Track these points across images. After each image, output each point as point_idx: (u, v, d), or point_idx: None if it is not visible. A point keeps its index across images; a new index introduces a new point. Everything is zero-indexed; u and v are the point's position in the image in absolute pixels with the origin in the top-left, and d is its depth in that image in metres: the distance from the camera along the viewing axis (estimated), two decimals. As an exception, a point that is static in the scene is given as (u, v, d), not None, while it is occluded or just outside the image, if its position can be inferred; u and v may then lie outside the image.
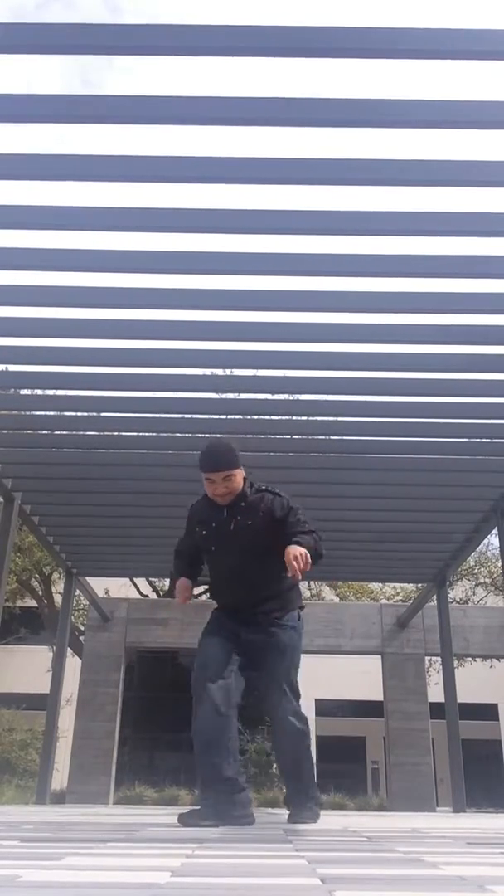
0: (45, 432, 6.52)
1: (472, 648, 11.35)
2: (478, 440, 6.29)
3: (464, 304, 4.57)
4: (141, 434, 6.31)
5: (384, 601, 15.73)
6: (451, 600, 13.94)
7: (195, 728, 3.16)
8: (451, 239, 4.09)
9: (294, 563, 2.95)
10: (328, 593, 17.07)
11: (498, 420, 5.85)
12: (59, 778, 13.04)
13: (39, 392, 7.19)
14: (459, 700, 8.83)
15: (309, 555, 3.03)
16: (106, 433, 6.42)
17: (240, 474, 3.29)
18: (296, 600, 3.48)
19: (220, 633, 3.33)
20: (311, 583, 16.08)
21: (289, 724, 3.31)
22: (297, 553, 2.99)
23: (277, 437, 6.43)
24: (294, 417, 6.30)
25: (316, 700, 18.79)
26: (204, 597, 16.53)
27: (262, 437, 6.28)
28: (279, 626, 3.35)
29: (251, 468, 6.55)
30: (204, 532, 3.36)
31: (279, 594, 3.39)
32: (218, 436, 5.92)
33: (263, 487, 3.41)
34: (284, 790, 3.59)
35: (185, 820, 2.92)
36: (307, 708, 15.20)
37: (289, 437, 6.49)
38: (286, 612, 3.40)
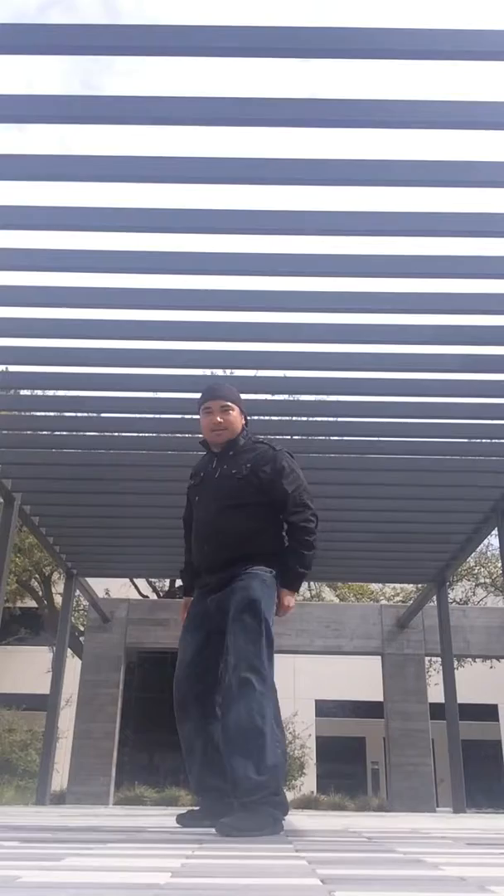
0: (46, 433, 6.51)
1: (473, 649, 11.35)
2: (478, 441, 6.29)
3: (464, 304, 4.57)
4: (141, 434, 6.31)
5: (384, 602, 15.72)
6: (451, 601, 13.94)
7: (180, 735, 2.90)
8: (452, 239, 4.09)
9: (283, 610, 2.91)
10: (328, 594, 17.06)
11: (498, 420, 5.85)
12: (59, 778, 13.02)
13: (39, 392, 7.21)
14: (459, 701, 8.83)
15: (292, 608, 2.94)
16: (106, 434, 6.42)
17: (238, 414, 3.13)
18: (271, 565, 2.93)
19: (194, 628, 2.96)
20: (312, 583, 16.08)
21: (232, 684, 2.64)
22: (287, 605, 2.91)
23: (277, 437, 6.43)
24: (294, 418, 6.30)
25: (316, 700, 18.78)
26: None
27: (262, 437, 6.28)
28: (241, 576, 2.83)
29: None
30: (192, 483, 3.18)
31: (254, 555, 2.88)
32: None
33: (260, 440, 3.20)
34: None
35: (183, 821, 2.88)
36: (307, 708, 15.21)
37: (289, 437, 6.49)
38: (255, 572, 2.85)
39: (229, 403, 3.10)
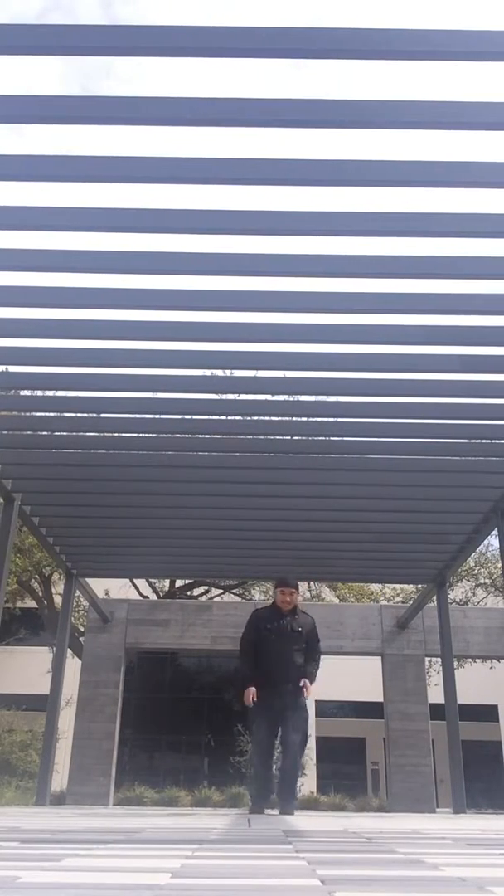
0: (46, 433, 6.51)
1: (472, 649, 11.35)
2: (478, 441, 6.29)
3: (464, 304, 4.57)
4: (141, 435, 6.31)
5: (384, 602, 15.72)
6: (451, 601, 13.93)
7: (254, 775, 5.70)
8: (453, 240, 4.09)
9: (305, 688, 5.33)
10: (328, 594, 17.06)
11: (498, 421, 5.85)
12: (59, 779, 13.02)
13: (39, 393, 7.20)
14: (459, 701, 8.82)
15: (311, 687, 5.39)
16: (106, 434, 6.42)
17: (297, 596, 5.54)
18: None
19: (266, 714, 5.33)
20: (312, 584, 16.08)
21: (292, 750, 5.33)
22: (308, 686, 5.35)
23: (277, 438, 6.43)
24: (294, 418, 6.30)
25: (316, 701, 18.78)
26: (203, 598, 16.53)
27: (262, 438, 6.28)
28: (298, 693, 5.34)
29: (250, 469, 6.57)
30: (268, 627, 5.38)
31: (302, 674, 5.38)
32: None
33: (303, 610, 5.59)
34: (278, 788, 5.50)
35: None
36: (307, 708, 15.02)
37: (289, 438, 6.49)
38: (303, 694, 5.37)
39: (294, 591, 5.52)
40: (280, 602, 5.46)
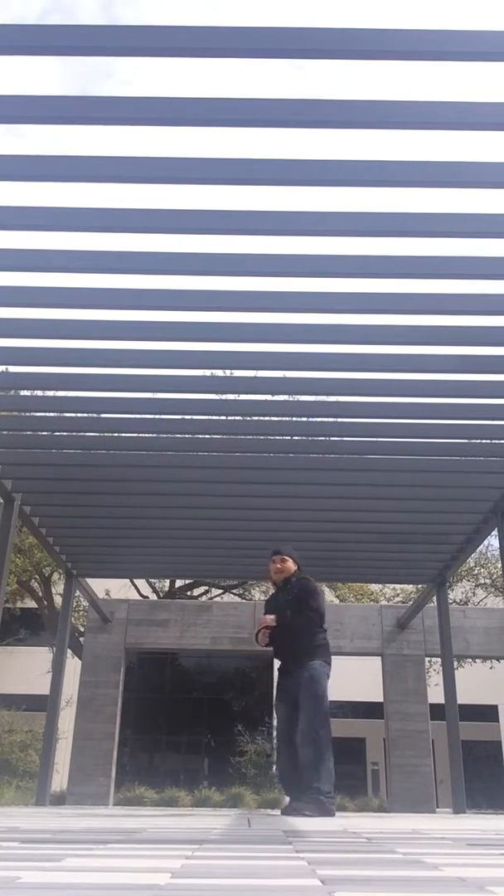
0: (46, 433, 6.51)
1: (472, 649, 11.35)
2: (477, 441, 6.29)
3: (464, 305, 4.57)
4: (141, 435, 6.31)
5: (384, 602, 15.72)
6: (450, 601, 13.93)
7: (276, 762, 5.74)
8: (453, 240, 4.09)
9: (262, 625, 4.88)
10: (328, 595, 17.06)
11: (497, 421, 5.86)
12: (59, 779, 13.02)
13: (39, 393, 7.20)
14: (459, 701, 8.83)
15: (268, 631, 4.85)
16: (106, 434, 6.42)
17: (291, 563, 5.10)
18: (321, 654, 4.85)
19: (283, 699, 4.95)
20: (311, 584, 16.05)
21: (299, 737, 4.66)
22: (266, 620, 4.86)
23: (277, 438, 6.43)
24: (294, 419, 6.30)
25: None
26: (203, 598, 16.53)
27: (262, 438, 6.29)
28: (304, 667, 4.78)
29: (250, 469, 6.57)
30: (272, 604, 5.09)
31: (310, 650, 4.83)
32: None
33: (304, 577, 5.06)
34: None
35: (286, 811, 4.44)
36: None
37: (289, 438, 6.49)
38: (309, 660, 4.81)
39: (284, 558, 5.11)
40: (272, 573, 5.12)
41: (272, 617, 4.90)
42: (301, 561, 5.26)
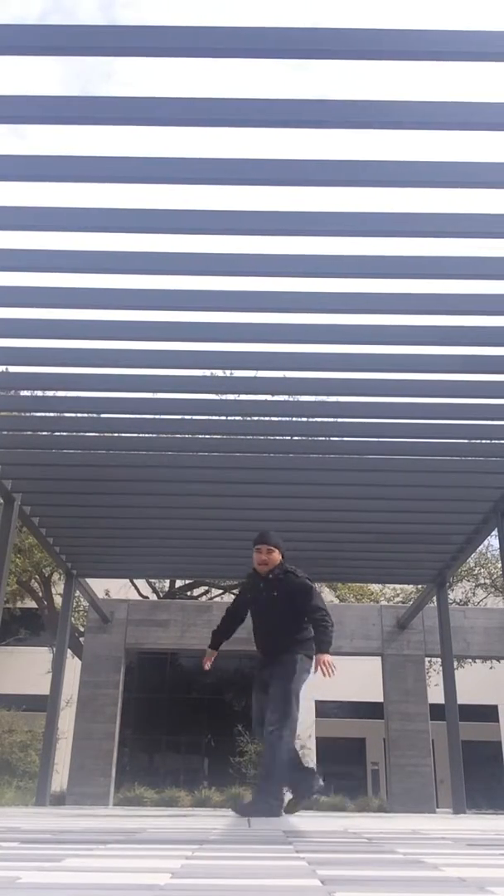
0: (45, 433, 6.51)
1: (472, 650, 11.35)
2: (478, 441, 6.29)
3: (464, 305, 4.57)
4: (141, 435, 6.31)
5: (384, 602, 15.71)
6: (450, 601, 13.93)
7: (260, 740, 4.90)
8: (454, 240, 4.09)
9: (324, 668, 4.37)
10: (328, 594, 17.06)
11: (497, 421, 5.85)
12: (59, 779, 13.02)
13: (39, 393, 7.21)
14: (459, 701, 8.82)
15: (333, 663, 4.40)
16: (106, 434, 6.42)
17: (277, 554, 4.66)
18: (305, 648, 4.59)
19: (256, 690, 4.71)
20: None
21: (265, 732, 4.42)
22: (326, 661, 4.39)
23: (277, 438, 6.43)
24: (294, 419, 6.30)
25: (316, 701, 18.78)
26: (203, 598, 16.52)
27: (262, 438, 6.29)
28: (283, 661, 4.55)
29: (250, 469, 6.57)
30: (250, 596, 4.77)
31: (293, 644, 4.60)
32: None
33: (290, 569, 4.67)
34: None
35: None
36: (307, 709, 15.18)
37: (289, 438, 6.49)
38: (290, 654, 4.56)
39: (271, 548, 4.66)
40: (256, 563, 4.67)
41: (210, 654, 4.90)
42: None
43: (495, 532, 7.16)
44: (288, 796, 4.61)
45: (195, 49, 3.22)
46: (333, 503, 7.13)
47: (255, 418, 6.14)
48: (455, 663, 9.41)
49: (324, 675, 4.35)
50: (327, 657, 4.40)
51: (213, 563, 9.48)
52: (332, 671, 4.34)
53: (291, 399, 6.31)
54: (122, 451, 6.45)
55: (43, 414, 6.42)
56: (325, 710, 19.57)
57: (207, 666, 4.87)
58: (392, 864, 1.49)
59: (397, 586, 16.42)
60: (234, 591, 16.91)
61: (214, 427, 6.14)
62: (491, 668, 17.10)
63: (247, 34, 3.20)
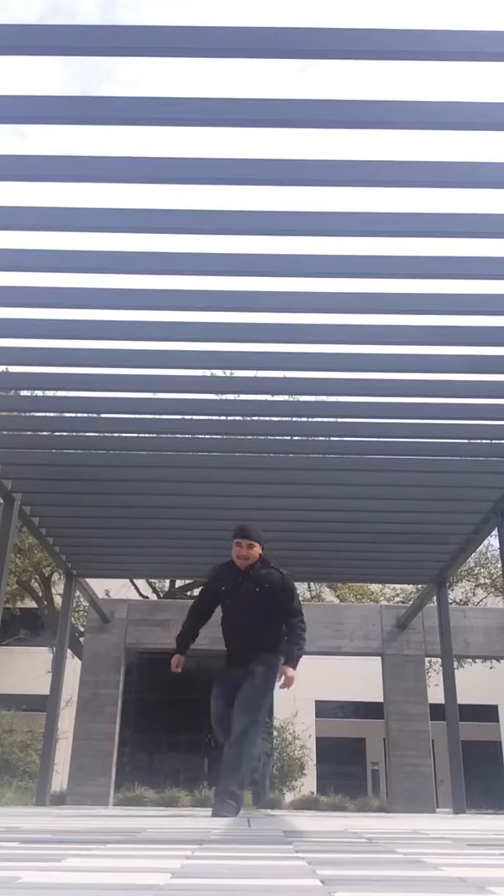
0: (45, 433, 6.52)
1: (473, 650, 11.35)
2: (478, 441, 6.29)
3: (464, 305, 4.57)
4: (141, 435, 6.31)
5: (384, 602, 15.71)
6: (451, 601, 13.92)
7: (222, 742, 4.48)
8: (454, 240, 4.09)
9: (288, 682, 4.26)
10: (328, 595, 17.06)
11: (497, 421, 5.86)
12: (59, 779, 13.01)
13: (39, 393, 7.20)
14: (459, 701, 8.82)
15: (291, 672, 4.28)
16: (106, 434, 6.42)
17: (258, 549, 4.47)
18: (279, 650, 4.41)
19: (224, 691, 4.45)
20: (312, 584, 16.07)
21: (239, 736, 4.20)
22: (291, 676, 4.26)
23: (277, 438, 6.43)
24: (294, 419, 6.30)
25: (316, 701, 18.77)
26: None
27: (262, 438, 6.29)
28: (259, 661, 4.35)
29: (250, 469, 6.57)
30: (223, 588, 4.52)
31: (268, 646, 4.42)
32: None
33: (271, 564, 4.50)
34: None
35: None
36: (307, 710, 15.26)
37: (289, 438, 6.49)
38: (275, 653, 4.39)
39: (253, 543, 4.46)
40: (236, 557, 4.47)
41: (178, 659, 4.70)
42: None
43: (495, 532, 7.16)
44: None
45: (195, 49, 3.22)
46: (333, 503, 7.13)
47: (256, 418, 6.14)
48: (455, 663, 9.41)
49: (284, 687, 4.29)
50: (292, 672, 4.28)
51: (213, 563, 9.46)
52: (292, 686, 4.29)
53: (291, 399, 6.31)
54: (122, 451, 6.45)
55: (43, 414, 6.42)
56: (324, 710, 19.56)
57: (178, 668, 4.71)
58: (392, 864, 1.49)
59: (397, 586, 16.42)
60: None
61: (214, 427, 6.14)
62: (491, 667, 17.10)
63: (247, 34, 3.20)
